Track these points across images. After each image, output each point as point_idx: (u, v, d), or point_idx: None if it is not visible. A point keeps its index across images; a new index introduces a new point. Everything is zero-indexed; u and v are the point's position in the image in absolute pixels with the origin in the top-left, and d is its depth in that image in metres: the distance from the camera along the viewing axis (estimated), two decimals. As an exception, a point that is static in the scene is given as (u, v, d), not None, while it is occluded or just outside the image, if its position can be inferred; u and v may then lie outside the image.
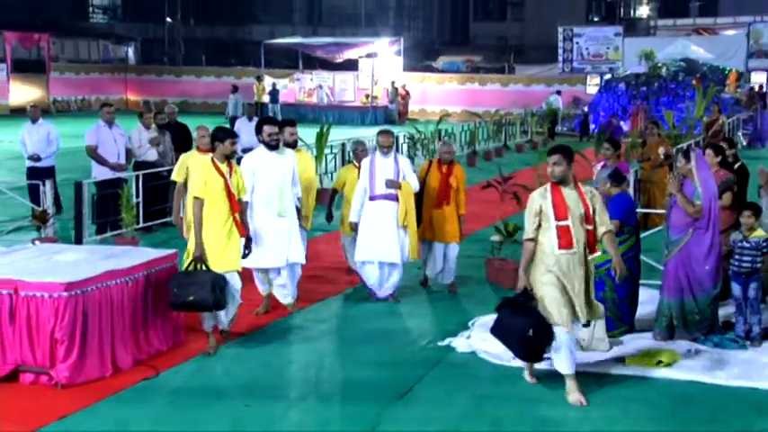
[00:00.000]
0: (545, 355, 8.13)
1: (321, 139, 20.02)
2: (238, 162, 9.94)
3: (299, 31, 55.84)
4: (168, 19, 62.22)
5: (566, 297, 7.96)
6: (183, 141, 16.47)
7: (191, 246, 9.00)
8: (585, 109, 36.35)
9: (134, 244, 12.72)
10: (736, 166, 11.91)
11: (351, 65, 45.57)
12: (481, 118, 31.07)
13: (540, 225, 8.09)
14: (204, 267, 8.78)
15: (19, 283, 8.16)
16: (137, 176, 15.09)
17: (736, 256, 9.64)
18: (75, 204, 13.56)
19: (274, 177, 10.13)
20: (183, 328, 9.47)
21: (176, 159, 16.17)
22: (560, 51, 45.38)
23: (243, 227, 9.28)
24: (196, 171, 9.42)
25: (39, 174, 15.34)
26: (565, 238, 7.95)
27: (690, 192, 9.56)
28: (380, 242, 10.86)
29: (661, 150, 16.94)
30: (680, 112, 30.58)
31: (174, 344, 9.25)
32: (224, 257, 8.95)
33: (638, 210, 11.39)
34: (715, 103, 29.02)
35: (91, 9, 67.90)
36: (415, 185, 11.06)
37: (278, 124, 10.83)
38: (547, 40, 49.41)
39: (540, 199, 8.13)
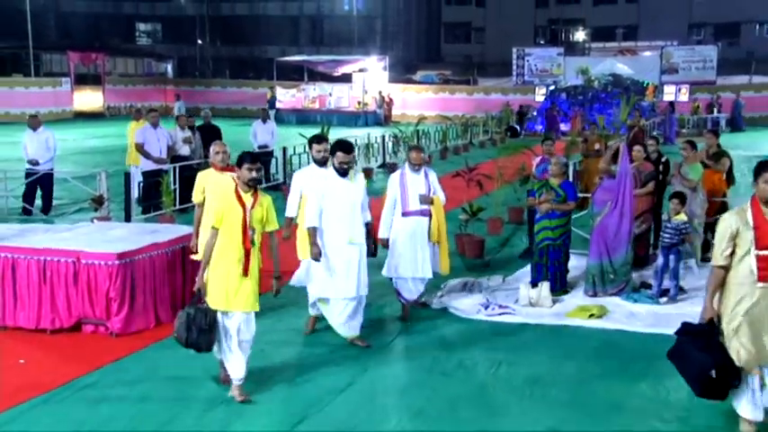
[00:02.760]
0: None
1: (322, 137, 20.04)
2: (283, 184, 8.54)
3: (304, 50, 55.69)
4: (199, 41, 62.41)
5: (759, 336, 5.79)
6: (214, 139, 16.52)
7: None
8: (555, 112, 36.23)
9: (171, 222, 12.80)
10: (663, 159, 11.96)
11: (346, 78, 45.48)
12: (451, 120, 31.33)
13: (734, 251, 5.86)
14: (200, 302, 6.67)
15: (81, 253, 8.28)
16: (173, 168, 15.15)
17: (663, 233, 9.85)
18: (125, 190, 13.64)
19: (344, 203, 7.81)
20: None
21: (205, 155, 16.35)
22: (514, 67, 45.51)
23: (260, 250, 6.90)
24: (216, 197, 7.22)
25: (37, 177, 14.91)
26: (766, 270, 5.73)
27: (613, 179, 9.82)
28: (416, 258, 8.82)
29: (597, 146, 17.12)
30: (609, 116, 30.78)
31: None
32: (236, 296, 6.60)
33: (578, 194, 11.47)
34: (636, 110, 29.23)
35: (137, 33, 67.70)
36: (443, 199, 9.11)
37: (326, 141, 8.74)
38: (503, 58, 49.42)
39: (737, 221, 5.87)
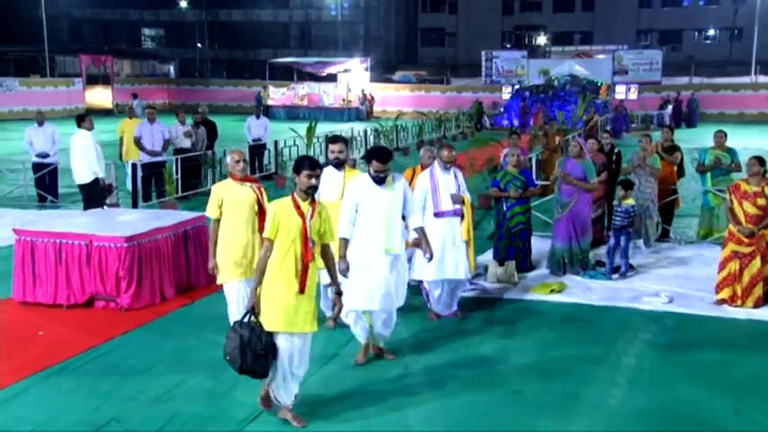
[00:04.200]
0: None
1: (310, 131, 20.06)
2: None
3: (294, 53, 55.33)
4: (199, 45, 61.96)
5: None
6: (210, 134, 16.47)
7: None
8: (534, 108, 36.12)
9: (174, 208, 12.74)
10: (616, 151, 12.00)
11: (332, 77, 45.35)
12: (426, 116, 31.21)
13: None
14: (254, 321, 5.39)
15: (93, 237, 8.24)
16: (176, 159, 15.06)
17: (614, 217, 9.90)
18: (132, 180, 13.55)
19: (382, 213, 6.64)
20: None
21: (207, 147, 16.27)
22: (483, 68, 45.44)
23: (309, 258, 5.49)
24: (269, 208, 5.58)
25: (44, 168, 14.59)
26: None
27: (576, 169, 9.75)
28: (450, 260, 7.76)
29: (557, 140, 17.19)
30: (567, 112, 30.87)
31: (208, 281, 9.07)
32: (295, 316, 5.41)
33: (538, 182, 11.49)
34: (591, 107, 29.38)
35: (143, 37, 67.10)
36: (471, 198, 8.06)
37: (342, 142, 7.48)
38: (473, 60, 49.40)
39: None
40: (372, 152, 6.77)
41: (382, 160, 6.59)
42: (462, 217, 7.83)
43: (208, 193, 14.97)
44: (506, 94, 41.58)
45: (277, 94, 44.55)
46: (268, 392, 5.61)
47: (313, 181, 5.40)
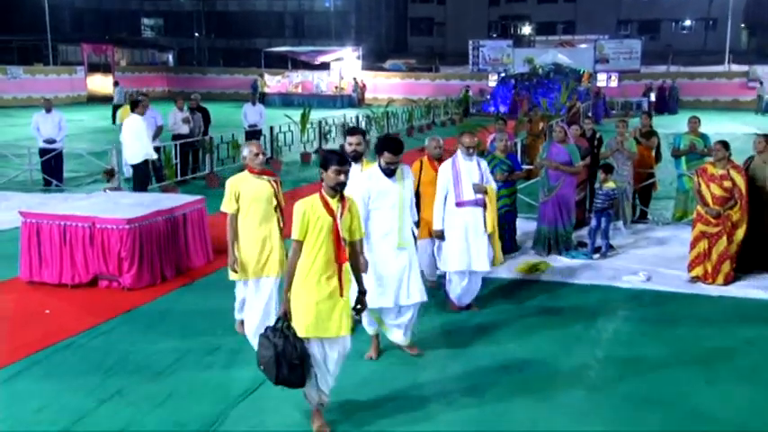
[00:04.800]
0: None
1: (304, 117, 19.98)
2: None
3: (288, 42, 55.01)
4: (197, 34, 61.47)
5: None
6: (204, 120, 16.35)
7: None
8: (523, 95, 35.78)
9: (175, 192, 12.68)
10: (597, 136, 12.02)
11: (325, 66, 45.12)
12: (416, 103, 31.25)
13: None
14: (286, 328, 4.85)
15: (95, 219, 8.21)
16: (174, 145, 14.99)
17: (596, 199, 9.93)
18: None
19: (393, 206, 6.14)
20: (213, 250, 9.37)
21: (203, 133, 16.15)
22: (470, 57, 45.41)
23: (354, 264, 5.13)
24: (296, 207, 4.88)
25: (49, 153, 14.49)
26: None
27: (561, 153, 9.71)
28: (473, 251, 7.20)
29: (541, 125, 17.19)
30: (551, 99, 30.81)
31: (207, 261, 9.23)
32: (330, 321, 4.93)
33: (523, 166, 11.47)
34: (574, 94, 29.36)
35: (142, 27, 66.50)
36: (496, 188, 7.54)
37: (360, 134, 6.65)
38: (461, 49, 49.20)
39: None
40: (384, 143, 6.14)
41: (394, 151, 6.03)
42: (485, 207, 7.23)
43: (205, 178, 15.03)
44: (492, 81, 41.50)
45: (272, 82, 44.33)
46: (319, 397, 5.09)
47: (341, 177, 4.85)
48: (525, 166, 11.97)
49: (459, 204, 7.19)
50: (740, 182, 8.46)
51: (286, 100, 40.98)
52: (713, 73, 42.05)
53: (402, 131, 26.04)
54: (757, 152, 9.07)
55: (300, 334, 4.86)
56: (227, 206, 6.30)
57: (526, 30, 62.96)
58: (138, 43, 58.70)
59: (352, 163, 6.12)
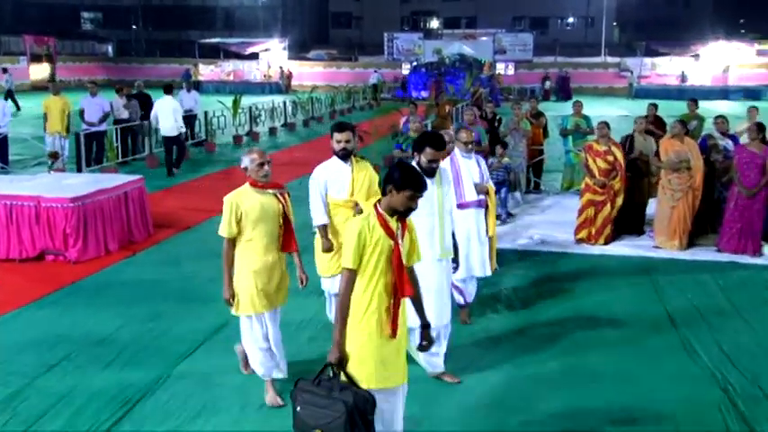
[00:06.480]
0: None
1: (236, 103, 19.59)
2: None
3: (220, 34, 53.51)
4: (134, 26, 59.18)
5: None
6: (144, 105, 15.78)
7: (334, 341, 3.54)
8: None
9: (115, 172, 12.23)
10: (498, 117, 12.14)
11: (254, 56, 44.22)
12: (338, 89, 30.96)
13: None
14: (342, 378, 3.47)
15: (41, 198, 7.86)
16: (115, 129, 14.45)
17: (493, 173, 10.03)
18: (76, 147, 12.89)
19: (434, 212, 4.81)
20: (154, 225, 9.13)
21: (142, 117, 15.52)
22: (386, 48, 45.30)
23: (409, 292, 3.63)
24: (348, 228, 3.55)
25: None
26: None
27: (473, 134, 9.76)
28: (476, 256, 5.91)
29: (448, 108, 17.29)
30: (457, 86, 31.12)
31: (148, 235, 8.98)
32: (392, 366, 3.57)
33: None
34: (477, 81, 29.70)
35: (83, 20, 63.48)
36: (494, 186, 6.15)
37: (349, 130, 5.35)
38: (377, 41, 48.95)
39: None
40: (425, 138, 4.72)
41: (437, 147, 4.66)
42: (487, 208, 5.98)
43: (145, 159, 14.57)
44: (406, 70, 41.54)
45: (206, 71, 43.32)
46: None
47: (413, 204, 3.52)
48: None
49: (460, 206, 5.76)
50: (620, 156, 8.77)
51: (219, 87, 39.91)
52: (592, 63, 43.25)
53: (325, 115, 25.79)
54: (637, 131, 9.41)
55: (368, 385, 3.48)
56: (224, 230, 4.50)
57: (434, 24, 63.15)
58: (79, 35, 56.11)
59: (341, 162, 5.32)
